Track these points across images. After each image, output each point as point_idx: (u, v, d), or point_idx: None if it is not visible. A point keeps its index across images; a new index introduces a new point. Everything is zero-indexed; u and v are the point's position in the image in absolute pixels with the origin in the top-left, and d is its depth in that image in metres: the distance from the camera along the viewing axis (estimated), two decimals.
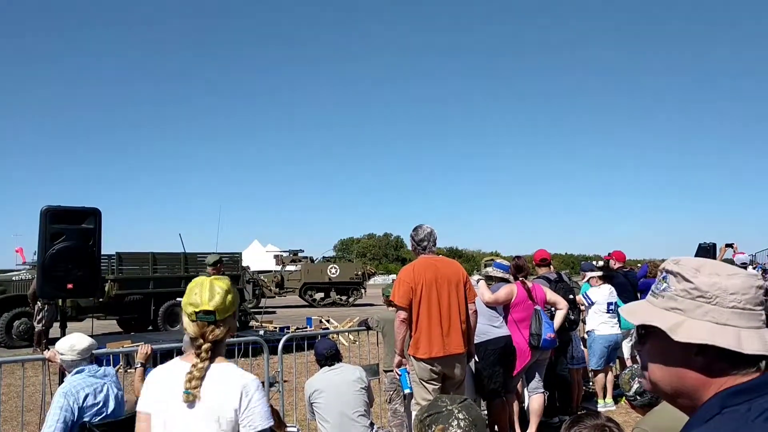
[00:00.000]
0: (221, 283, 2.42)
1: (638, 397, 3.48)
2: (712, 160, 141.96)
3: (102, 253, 6.52)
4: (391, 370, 6.33)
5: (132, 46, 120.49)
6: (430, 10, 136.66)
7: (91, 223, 6.02)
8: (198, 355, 2.32)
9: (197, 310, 2.33)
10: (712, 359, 1.15)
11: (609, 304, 7.67)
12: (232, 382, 2.30)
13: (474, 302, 5.26)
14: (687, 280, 1.20)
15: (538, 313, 6.13)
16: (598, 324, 7.53)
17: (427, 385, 5.05)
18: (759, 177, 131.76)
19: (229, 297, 2.41)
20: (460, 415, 2.20)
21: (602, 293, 7.68)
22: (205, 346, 2.33)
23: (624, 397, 3.60)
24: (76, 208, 5.97)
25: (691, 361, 1.17)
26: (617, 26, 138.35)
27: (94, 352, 4.38)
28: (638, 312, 1.28)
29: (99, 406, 3.97)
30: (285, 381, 7.17)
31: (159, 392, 2.36)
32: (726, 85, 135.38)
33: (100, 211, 6.16)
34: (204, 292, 2.35)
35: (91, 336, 4.49)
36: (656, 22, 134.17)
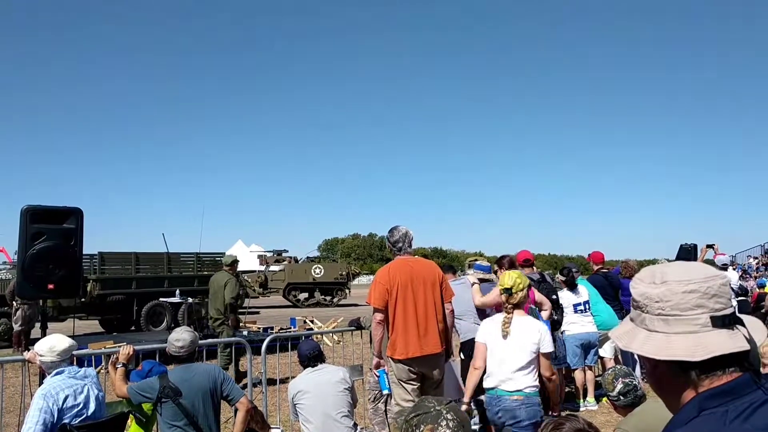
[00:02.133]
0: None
1: (621, 398, 3.51)
2: (695, 161, 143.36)
3: (84, 252, 6.46)
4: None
5: (115, 45, 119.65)
6: (402, 11, 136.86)
7: (73, 222, 5.97)
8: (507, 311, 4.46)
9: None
10: (671, 365, 1.19)
11: (575, 305, 7.76)
12: (531, 325, 4.51)
13: (450, 302, 5.26)
14: (633, 288, 1.29)
15: (534, 312, 6.15)
16: (568, 324, 7.61)
17: (405, 385, 5.07)
18: (740, 178, 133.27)
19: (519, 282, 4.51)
20: (449, 416, 2.21)
21: (566, 297, 7.72)
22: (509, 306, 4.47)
23: (606, 397, 3.62)
24: (58, 208, 5.91)
25: (657, 368, 1.22)
26: (586, 28, 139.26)
27: (74, 353, 4.35)
28: (617, 327, 1.37)
29: (79, 407, 3.94)
30: (270, 382, 7.14)
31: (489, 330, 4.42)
32: (707, 87, 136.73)
33: (82, 211, 6.10)
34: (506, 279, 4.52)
35: (73, 336, 4.47)
36: (623, 29, 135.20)
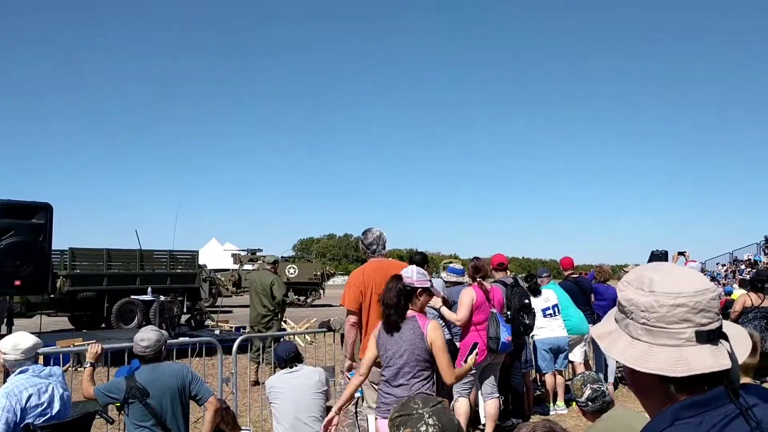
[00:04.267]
0: None
1: (589, 404, 3.53)
2: (667, 170, 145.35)
3: (54, 248, 6.37)
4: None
5: (87, 39, 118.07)
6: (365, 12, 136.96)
7: (42, 218, 5.88)
8: None
9: None
10: (650, 374, 1.16)
11: (544, 309, 7.81)
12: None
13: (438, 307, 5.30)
14: (620, 291, 1.26)
15: (495, 317, 6.15)
16: (537, 328, 7.64)
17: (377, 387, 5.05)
18: (710, 189, 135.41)
19: None
20: (430, 420, 2.17)
21: (536, 301, 7.75)
22: None
23: (579, 407, 3.64)
24: (27, 203, 5.82)
25: (636, 374, 1.20)
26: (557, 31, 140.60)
27: (42, 350, 4.27)
28: (601, 321, 1.35)
29: (43, 407, 3.87)
30: (240, 389, 7.08)
31: None
32: (681, 94, 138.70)
33: (52, 207, 6.02)
34: None
35: (40, 333, 4.38)
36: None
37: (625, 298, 1.22)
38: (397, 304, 3.93)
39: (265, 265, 10.44)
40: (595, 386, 3.53)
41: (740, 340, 1.21)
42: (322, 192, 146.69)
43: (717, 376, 1.13)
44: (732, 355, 1.14)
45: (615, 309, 1.29)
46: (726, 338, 1.16)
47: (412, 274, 4.08)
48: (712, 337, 1.15)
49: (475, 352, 4.35)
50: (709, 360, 1.12)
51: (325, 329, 7.10)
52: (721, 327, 1.17)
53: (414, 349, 3.84)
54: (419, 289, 4.04)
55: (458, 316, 6.04)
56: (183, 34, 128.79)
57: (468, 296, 6.12)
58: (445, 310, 6.17)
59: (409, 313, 3.98)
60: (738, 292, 11.44)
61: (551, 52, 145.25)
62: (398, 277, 4.06)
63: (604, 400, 3.49)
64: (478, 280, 6.42)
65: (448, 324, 6.22)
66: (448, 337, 6.11)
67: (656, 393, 1.19)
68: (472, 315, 6.12)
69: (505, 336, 6.11)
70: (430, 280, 4.24)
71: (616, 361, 7.83)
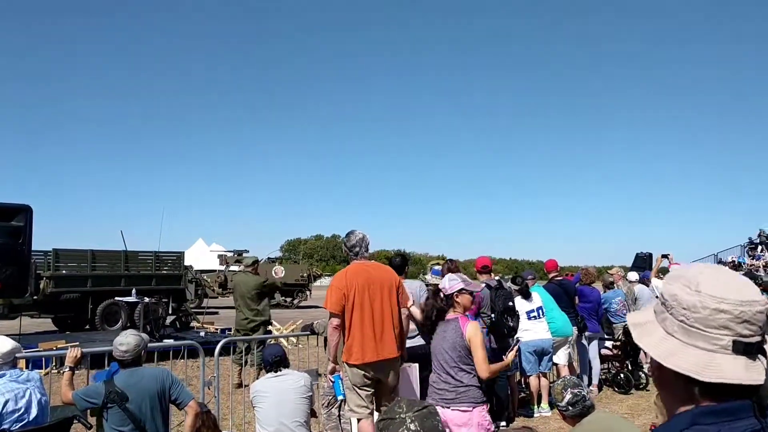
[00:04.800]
0: None
1: (570, 408, 3.54)
2: (651, 170, 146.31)
3: (38, 249, 6.30)
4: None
5: (71, 39, 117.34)
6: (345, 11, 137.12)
7: (21, 220, 5.82)
8: None
9: None
10: (677, 372, 1.13)
11: (528, 312, 7.83)
12: None
13: (407, 307, 5.29)
14: (667, 284, 1.22)
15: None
16: (522, 331, 7.65)
17: (359, 391, 5.06)
18: (693, 191, 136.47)
19: None
20: (412, 426, 2.11)
21: (519, 304, 7.78)
22: None
23: (559, 411, 3.66)
24: (6, 205, 5.76)
25: (662, 370, 1.17)
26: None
27: (22, 354, 4.22)
28: (639, 310, 1.33)
29: (20, 412, 3.82)
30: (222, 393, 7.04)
31: None
32: (666, 94, 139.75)
33: (32, 209, 5.95)
34: None
35: (20, 335, 4.33)
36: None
37: (670, 292, 1.19)
38: (430, 318, 4.65)
39: (245, 267, 10.41)
40: (575, 390, 3.54)
41: None
42: (310, 193, 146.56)
43: (745, 389, 1.09)
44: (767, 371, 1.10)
45: (656, 300, 1.26)
46: (765, 354, 1.12)
47: (445, 282, 4.61)
48: (749, 349, 1.10)
49: (514, 349, 5.00)
50: (741, 371, 1.09)
51: (308, 332, 7.06)
52: (762, 342, 1.12)
53: (455, 346, 4.36)
54: (455, 293, 4.48)
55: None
56: (168, 33, 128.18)
57: None
58: (414, 310, 6.16)
59: (452, 315, 4.48)
60: None
61: (543, 56, 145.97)
62: (434, 293, 4.73)
63: (585, 404, 3.51)
64: None
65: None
66: (422, 341, 6.11)
67: (679, 392, 1.15)
68: None
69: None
70: (465, 280, 4.61)
71: (601, 363, 7.82)
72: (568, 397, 3.53)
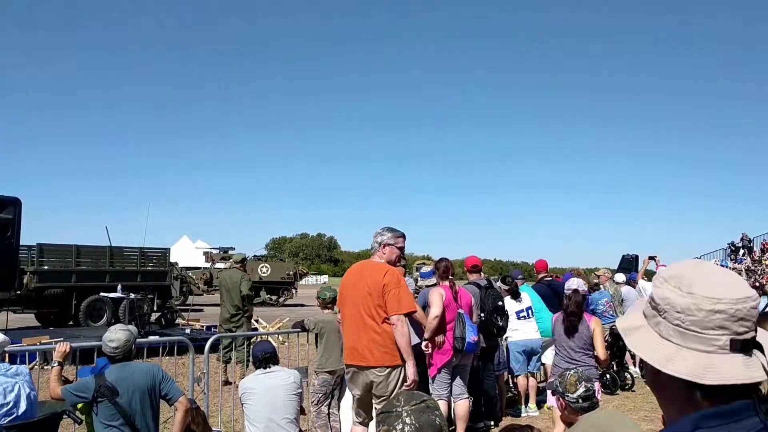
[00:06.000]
0: None
1: (580, 401, 3.46)
2: (638, 174, 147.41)
3: (22, 244, 6.21)
4: (325, 372, 6.28)
5: (60, 36, 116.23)
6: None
7: (10, 213, 5.75)
8: None
9: None
10: (676, 378, 1.10)
11: (518, 312, 7.85)
12: None
13: (398, 315, 4.64)
14: (656, 287, 1.19)
15: (462, 317, 6.16)
16: (511, 331, 7.68)
17: (350, 392, 5.05)
18: (680, 194, 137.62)
19: None
20: (407, 420, 2.10)
21: (509, 304, 7.80)
22: None
23: (562, 397, 3.58)
24: None
25: (660, 375, 1.14)
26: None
27: (7, 349, 4.17)
28: (626, 314, 1.30)
29: (9, 406, 3.78)
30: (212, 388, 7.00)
31: None
32: (655, 100, 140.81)
33: (21, 201, 5.86)
34: None
35: (6, 330, 4.27)
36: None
37: (661, 296, 1.15)
38: (576, 314, 5.90)
39: (233, 263, 10.44)
40: (588, 385, 3.49)
41: None
42: (296, 191, 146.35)
43: (746, 387, 1.08)
44: (766, 368, 1.09)
45: (643, 302, 1.23)
46: (761, 348, 1.11)
47: (579, 285, 6.07)
48: (746, 346, 1.09)
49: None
50: (740, 370, 1.07)
51: (299, 329, 7.02)
52: (755, 337, 1.11)
53: (582, 336, 5.80)
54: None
55: (433, 311, 6.01)
56: (155, 29, 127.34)
57: (438, 293, 6.12)
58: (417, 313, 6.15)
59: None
60: None
61: (532, 57, 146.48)
62: (575, 291, 5.98)
63: (593, 401, 3.47)
64: (450, 279, 6.46)
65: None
66: (416, 340, 6.10)
67: (679, 397, 1.13)
68: (444, 314, 6.13)
69: (471, 336, 6.13)
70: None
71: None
72: (581, 390, 3.46)
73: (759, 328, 1.13)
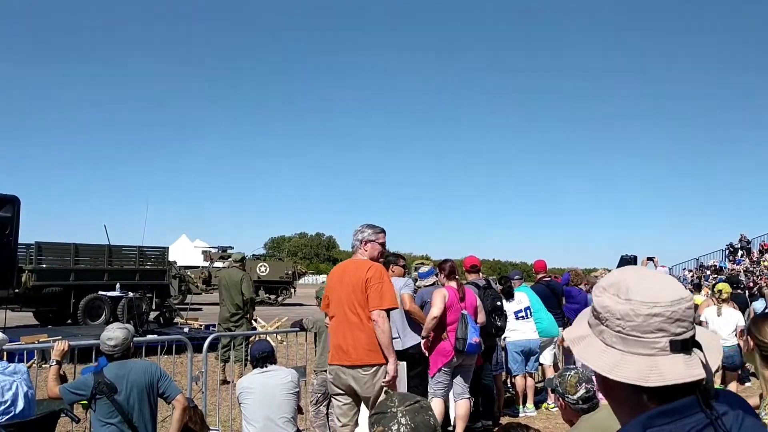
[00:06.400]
0: None
1: (580, 402, 3.42)
2: (637, 174, 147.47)
3: (20, 242, 6.20)
4: (324, 371, 6.27)
5: (56, 33, 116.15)
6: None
7: (9, 211, 5.74)
8: None
9: None
10: (623, 383, 1.15)
11: (516, 312, 7.84)
12: None
13: (379, 310, 4.55)
14: (596, 296, 1.23)
15: (465, 318, 6.17)
16: (509, 331, 7.68)
17: (335, 398, 4.86)
18: (678, 195, 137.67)
19: None
20: (403, 420, 2.10)
21: (508, 303, 7.79)
22: None
23: (562, 398, 3.54)
24: None
25: (607, 381, 1.18)
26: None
27: (4, 347, 4.16)
28: (573, 325, 1.33)
29: (6, 405, 3.78)
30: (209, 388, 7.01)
31: None
32: (651, 101, 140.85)
33: (19, 199, 5.85)
34: None
35: (4, 329, 4.27)
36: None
37: (601, 304, 1.20)
38: None
39: (233, 262, 10.45)
40: (589, 386, 3.45)
41: (712, 347, 1.19)
42: (295, 190, 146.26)
43: (690, 384, 1.12)
44: (705, 365, 1.13)
45: (588, 312, 1.27)
46: (699, 347, 1.15)
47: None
48: (686, 346, 1.14)
49: None
50: (682, 370, 1.12)
51: (297, 329, 7.02)
52: (694, 336, 1.16)
53: None
54: None
55: (433, 311, 6.01)
56: (152, 26, 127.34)
57: (441, 294, 6.13)
58: (415, 309, 6.15)
59: None
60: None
61: (526, 60, 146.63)
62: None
63: (593, 403, 3.44)
64: (457, 279, 6.46)
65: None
66: (417, 339, 6.11)
67: (628, 401, 1.17)
68: (445, 315, 6.13)
69: (473, 337, 6.11)
70: None
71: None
72: (581, 391, 3.42)
73: (697, 327, 1.19)
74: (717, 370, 3.72)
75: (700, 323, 8.49)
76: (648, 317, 1.13)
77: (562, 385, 3.54)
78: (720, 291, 8.38)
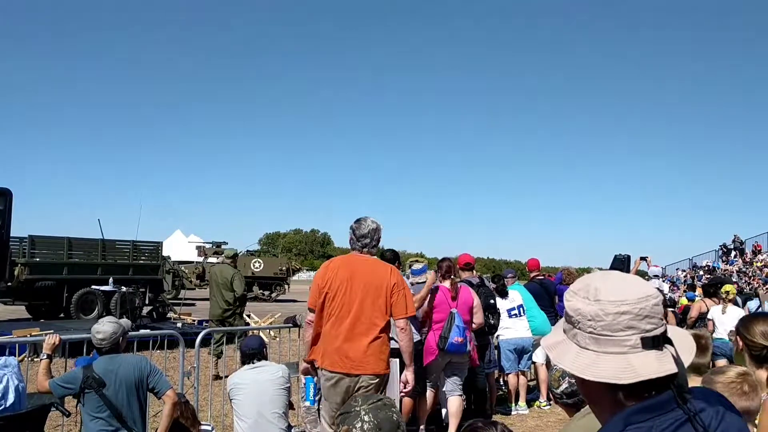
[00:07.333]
0: None
1: (564, 397, 3.48)
2: (632, 174, 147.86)
3: (13, 235, 6.18)
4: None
5: (52, 30, 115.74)
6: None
7: (1, 204, 5.69)
8: None
9: None
10: (599, 383, 1.18)
11: (509, 310, 7.87)
12: None
13: (403, 319, 4.42)
14: (567, 300, 1.27)
15: (452, 316, 6.16)
16: (502, 329, 7.70)
17: (326, 403, 4.47)
18: (672, 195, 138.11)
19: None
20: (366, 417, 2.18)
21: (500, 302, 7.81)
22: None
23: (555, 399, 3.59)
24: None
25: (585, 383, 1.21)
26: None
27: None
28: (550, 333, 1.36)
29: None
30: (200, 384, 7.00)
31: None
32: (647, 99, 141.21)
33: (11, 192, 5.83)
34: None
35: None
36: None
37: (573, 308, 1.24)
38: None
39: (225, 259, 10.45)
40: (572, 380, 3.49)
41: (684, 344, 1.24)
42: (290, 186, 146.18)
43: (665, 380, 1.15)
44: (677, 360, 1.17)
45: (563, 319, 1.31)
46: (671, 343, 1.19)
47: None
48: (656, 342, 1.17)
49: None
50: (654, 365, 1.15)
51: (290, 324, 7.03)
52: (665, 332, 1.19)
53: None
54: None
55: (417, 296, 5.99)
56: (149, 24, 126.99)
57: (427, 288, 6.19)
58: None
59: None
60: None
61: (523, 60, 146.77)
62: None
63: (578, 398, 3.47)
64: (452, 279, 6.47)
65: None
66: (417, 338, 6.12)
67: (606, 400, 1.21)
68: (432, 312, 6.16)
69: (455, 337, 6.10)
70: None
71: None
72: (564, 386, 3.46)
73: (668, 326, 1.23)
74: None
75: (706, 322, 8.58)
76: (617, 315, 1.17)
77: (549, 382, 3.63)
78: (727, 292, 8.56)
